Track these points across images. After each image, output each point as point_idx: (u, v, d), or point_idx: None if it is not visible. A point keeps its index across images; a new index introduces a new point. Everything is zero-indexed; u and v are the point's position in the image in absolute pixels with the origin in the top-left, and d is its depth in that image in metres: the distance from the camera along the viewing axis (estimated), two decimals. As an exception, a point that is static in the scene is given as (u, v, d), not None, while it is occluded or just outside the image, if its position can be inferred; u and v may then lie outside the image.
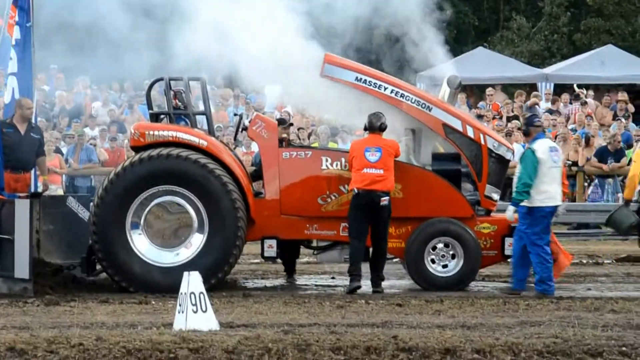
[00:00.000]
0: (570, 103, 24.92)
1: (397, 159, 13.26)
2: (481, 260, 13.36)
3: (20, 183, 14.29)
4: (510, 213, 12.84)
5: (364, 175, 12.91)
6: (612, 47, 28.99)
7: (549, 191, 12.68)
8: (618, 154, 21.16)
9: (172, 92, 13.77)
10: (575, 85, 25.70)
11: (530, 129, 12.96)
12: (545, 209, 12.70)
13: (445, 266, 13.29)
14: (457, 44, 35.58)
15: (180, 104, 13.78)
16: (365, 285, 13.15)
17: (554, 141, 12.84)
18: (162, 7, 13.71)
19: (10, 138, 14.04)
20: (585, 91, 25.27)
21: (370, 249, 13.24)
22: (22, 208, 12.42)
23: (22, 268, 12.29)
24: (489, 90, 25.25)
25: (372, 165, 12.97)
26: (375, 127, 13.16)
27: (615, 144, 21.25)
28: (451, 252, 13.27)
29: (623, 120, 23.09)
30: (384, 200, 12.87)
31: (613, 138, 21.44)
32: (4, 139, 13.52)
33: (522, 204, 12.73)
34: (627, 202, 13.98)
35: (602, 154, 21.34)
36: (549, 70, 28.84)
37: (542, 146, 12.84)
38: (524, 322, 10.61)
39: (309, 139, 21.59)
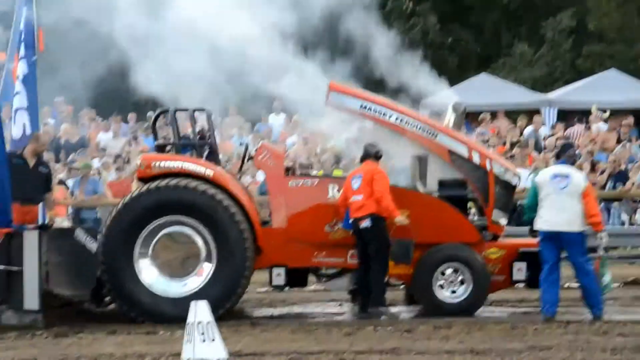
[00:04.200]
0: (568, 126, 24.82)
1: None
2: (490, 286, 13.37)
3: (30, 215, 14.34)
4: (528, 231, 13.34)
5: (351, 205, 13.17)
6: (614, 72, 29.05)
7: (544, 216, 12.83)
8: (619, 177, 21.18)
9: (196, 125, 13.91)
10: (594, 107, 25.55)
11: (561, 154, 13.34)
12: (540, 232, 12.91)
13: (454, 292, 13.30)
14: (460, 70, 35.70)
15: (191, 135, 13.89)
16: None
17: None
18: (166, 37, 13.77)
19: (19, 170, 14.08)
20: (602, 113, 25.14)
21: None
22: (30, 239, 12.48)
23: (31, 299, 12.33)
24: (483, 116, 25.09)
25: (354, 193, 13.14)
26: (370, 155, 13.30)
27: (615, 167, 21.29)
28: (460, 278, 13.28)
29: (627, 144, 23.11)
30: (362, 222, 12.96)
31: (613, 162, 21.50)
32: (12, 171, 13.58)
33: None
34: None
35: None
36: (552, 95, 28.89)
37: (546, 172, 13.12)
38: (533, 346, 10.59)
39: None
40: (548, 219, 12.80)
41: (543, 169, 13.72)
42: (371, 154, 13.38)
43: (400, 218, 13.06)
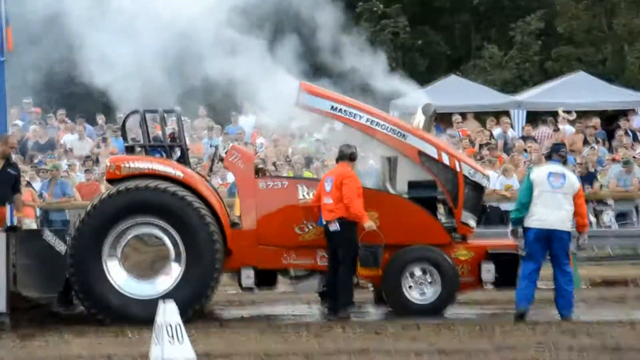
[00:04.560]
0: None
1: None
2: (459, 286, 13.43)
3: (-4, 217, 14.26)
4: (509, 231, 13.16)
5: (323, 206, 13.15)
6: (583, 74, 29.25)
7: (536, 213, 12.83)
8: (588, 178, 21.35)
9: (166, 127, 13.89)
10: (560, 110, 25.78)
11: (552, 154, 13.30)
12: (530, 231, 12.84)
13: (422, 293, 13.35)
14: (430, 72, 35.82)
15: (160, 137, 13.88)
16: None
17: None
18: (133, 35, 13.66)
19: (-14, 172, 13.99)
20: (569, 116, 25.33)
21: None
22: (-2, 241, 12.41)
23: (-2, 301, 12.27)
24: (456, 118, 25.31)
25: (326, 195, 13.15)
26: (344, 156, 13.31)
27: (583, 169, 21.46)
28: (429, 279, 13.34)
29: (595, 146, 23.28)
30: (332, 225, 13.00)
31: (582, 163, 21.66)
32: None
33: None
34: None
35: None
36: (521, 97, 29.05)
37: (541, 170, 13.08)
38: (501, 347, 10.67)
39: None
40: (541, 217, 12.79)
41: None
42: (346, 156, 13.38)
43: (369, 223, 13.08)
